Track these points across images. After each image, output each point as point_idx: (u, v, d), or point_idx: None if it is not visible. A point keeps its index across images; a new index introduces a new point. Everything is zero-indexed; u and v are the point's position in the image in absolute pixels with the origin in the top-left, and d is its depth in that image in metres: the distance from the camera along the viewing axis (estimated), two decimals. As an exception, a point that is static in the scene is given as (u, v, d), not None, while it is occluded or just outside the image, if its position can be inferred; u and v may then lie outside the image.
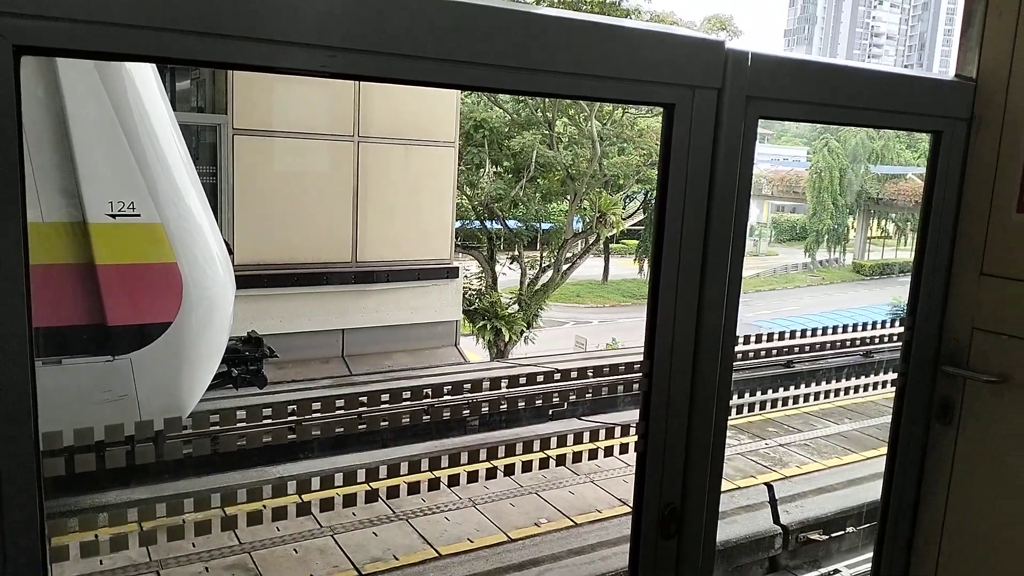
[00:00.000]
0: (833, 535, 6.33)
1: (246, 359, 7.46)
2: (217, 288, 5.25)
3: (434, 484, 1.94)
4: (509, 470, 1.85)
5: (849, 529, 6.38)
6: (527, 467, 1.80)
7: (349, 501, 2.01)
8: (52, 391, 4.62)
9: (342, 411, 4.43)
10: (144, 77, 5.07)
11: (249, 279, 9.66)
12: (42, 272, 4.63)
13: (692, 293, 1.76)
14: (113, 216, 4.80)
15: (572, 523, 5.83)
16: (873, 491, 6.52)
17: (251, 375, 7.61)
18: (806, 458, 7.52)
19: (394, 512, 5.76)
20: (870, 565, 5.33)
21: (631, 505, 5.83)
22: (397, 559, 5.25)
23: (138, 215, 4.86)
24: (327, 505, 1.81)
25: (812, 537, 6.27)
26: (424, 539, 5.51)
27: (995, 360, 2.16)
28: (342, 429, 4.16)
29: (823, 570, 5.88)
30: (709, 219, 1.75)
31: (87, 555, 3.35)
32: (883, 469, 2.43)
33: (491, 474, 1.77)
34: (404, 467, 4.13)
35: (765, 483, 6.72)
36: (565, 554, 5.42)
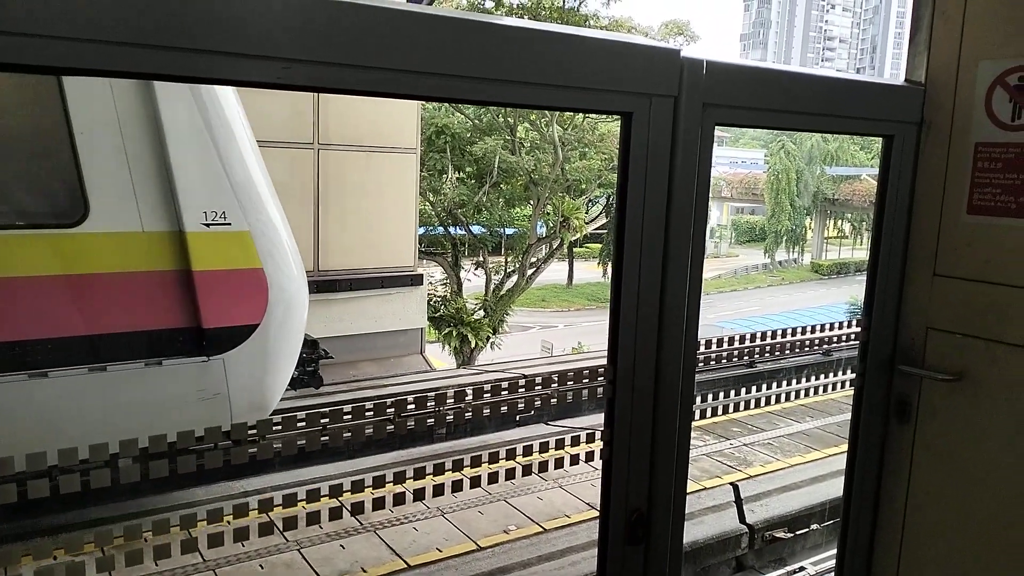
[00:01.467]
0: (798, 533, 6.42)
1: (304, 360, 7.42)
2: (295, 290, 5.56)
3: (399, 498, 1.91)
4: (475, 482, 1.84)
5: (813, 526, 6.47)
6: (493, 479, 1.78)
7: (313, 519, 1.98)
8: (154, 391, 4.91)
9: (303, 424, 4.37)
10: (225, 92, 5.35)
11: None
12: (144, 279, 5.01)
13: (653, 298, 1.77)
14: (207, 225, 5.10)
15: (541, 529, 5.82)
16: (835, 488, 6.65)
17: (308, 376, 7.63)
18: (770, 457, 7.62)
19: (361, 524, 5.70)
20: (832, 563, 5.42)
21: (599, 510, 5.84)
22: (365, 571, 5.19)
23: (228, 223, 5.18)
24: (290, 524, 1.78)
25: (777, 535, 6.35)
26: (392, 550, 5.46)
27: (950, 358, 2.21)
28: (304, 442, 4.09)
29: (788, 568, 5.96)
30: (668, 225, 1.76)
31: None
32: (844, 466, 2.47)
33: (457, 487, 1.76)
34: (369, 480, 4.07)
35: (731, 483, 6.79)
36: (535, 560, 5.41)
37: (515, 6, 17.76)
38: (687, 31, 23.33)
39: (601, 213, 23.65)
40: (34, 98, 4.85)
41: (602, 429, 1.80)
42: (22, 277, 4.68)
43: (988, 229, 2.13)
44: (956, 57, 2.17)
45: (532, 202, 19.85)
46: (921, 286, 2.28)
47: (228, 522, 3.41)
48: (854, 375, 2.44)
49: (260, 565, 5.20)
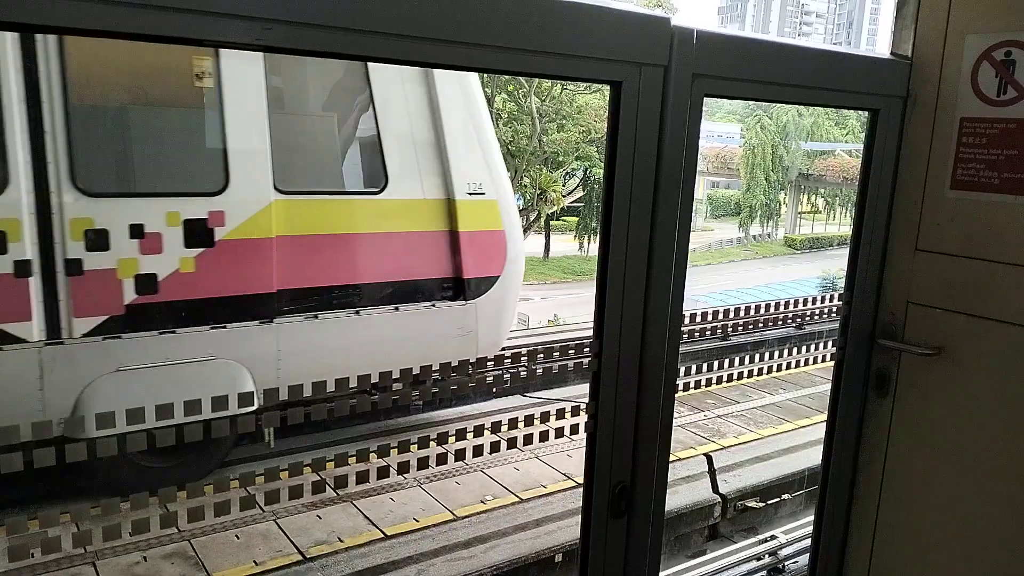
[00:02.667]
0: (769, 502, 6.53)
1: None
2: (519, 248, 6.91)
3: (383, 472, 1.90)
4: (460, 455, 1.83)
5: (784, 496, 6.58)
6: (478, 451, 1.78)
7: (295, 493, 1.96)
8: (428, 327, 6.39)
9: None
10: (473, 77, 6.68)
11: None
12: (425, 237, 6.34)
13: (640, 271, 1.76)
14: (470, 194, 6.40)
15: (518, 499, 5.86)
16: (806, 459, 6.77)
17: None
18: (743, 428, 7.72)
19: (338, 494, 5.69)
20: (805, 531, 5.52)
21: (576, 480, 5.87)
22: (342, 541, 5.19)
23: (483, 193, 6.49)
24: (272, 498, 1.76)
25: (749, 505, 6.46)
26: (369, 520, 5.47)
27: (929, 333, 2.23)
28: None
29: (760, 536, 6.05)
30: (656, 197, 1.74)
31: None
32: (815, 437, 2.50)
33: (442, 459, 1.76)
34: (352, 452, 4.03)
35: (704, 454, 6.87)
36: (511, 530, 5.45)
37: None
38: (666, 3, 23.17)
39: (578, 186, 23.61)
40: (354, 88, 6.27)
41: (586, 402, 1.79)
42: (350, 234, 6.00)
43: (971, 205, 2.14)
44: (943, 31, 2.16)
45: (509, 174, 19.75)
46: (903, 261, 2.29)
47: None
48: (828, 349, 2.45)
49: (236, 536, 5.19)
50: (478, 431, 1.79)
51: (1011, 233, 2.08)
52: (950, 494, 2.26)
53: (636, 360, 1.79)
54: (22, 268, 4.78)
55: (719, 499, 6.34)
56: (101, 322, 5.08)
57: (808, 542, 2.80)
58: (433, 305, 6.28)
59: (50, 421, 4.86)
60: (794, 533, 5.78)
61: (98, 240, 4.95)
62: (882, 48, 2.38)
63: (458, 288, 6.42)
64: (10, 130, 4.74)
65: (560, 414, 1.81)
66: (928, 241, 2.23)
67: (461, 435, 1.89)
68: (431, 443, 1.97)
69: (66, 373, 4.98)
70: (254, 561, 4.95)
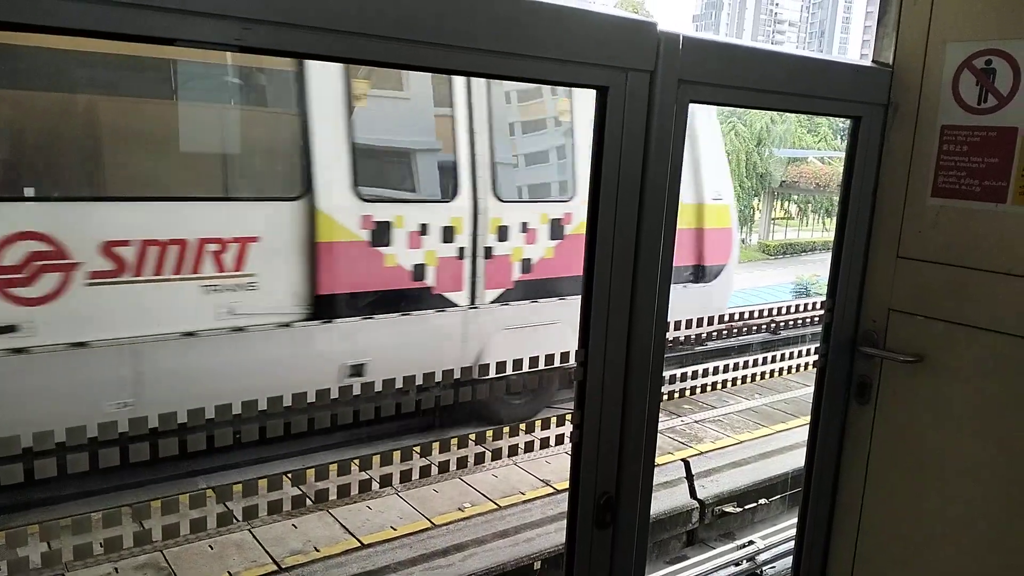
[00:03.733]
0: (746, 507, 6.55)
1: None
2: (738, 242, 8.71)
3: (365, 486, 1.86)
4: (444, 467, 1.79)
5: (762, 501, 6.61)
6: (462, 463, 1.74)
7: (275, 508, 1.91)
8: (686, 302, 7.95)
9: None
10: (714, 110, 9.17)
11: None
12: (689, 232, 8.07)
13: (626, 280, 1.74)
14: (714, 200, 8.27)
15: (496, 506, 5.82)
16: (783, 464, 6.80)
17: None
18: (720, 433, 7.74)
19: (314, 502, 5.61)
20: (782, 536, 5.53)
21: (554, 487, 5.84)
22: (318, 551, 5.12)
23: (721, 199, 8.37)
24: (251, 512, 1.71)
25: (727, 510, 6.47)
26: (346, 529, 5.40)
27: (911, 340, 2.23)
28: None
29: (738, 542, 6.07)
30: (642, 205, 1.72)
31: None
32: (793, 442, 2.50)
33: (425, 472, 1.71)
34: (334, 468, 3.98)
35: (682, 459, 6.88)
36: (490, 537, 5.40)
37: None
38: (641, 9, 23.35)
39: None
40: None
41: (572, 412, 1.76)
42: None
43: (952, 212, 2.15)
44: (924, 40, 2.17)
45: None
46: (884, 268, 2.30)
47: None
48: (801, 356, 2.47)
49: (210, 546, 5.09)
50: (462, 442, 1.76)
51: (991, 241, 2.09)
52: (932, 500, 2.27)
53: (621, 369, 1.76)
54: (460, 253, 6.71)
55: (697, 504, 6.34)
56: (500, 294, 6.99)
57: (786, 547, 2.81)
58: (685, 286, 8.04)
59: (470, 367, 5.56)
60: (772, 538, 5.81)
61: (502, 234, 6.94)
62: (855, 56, 2.38)
63: (701, 274, 8.23)
64: (460, 156, 6.77)
65: (545, 424, 1.78)
66: (909, 248, 2.24)
67: (445, 446, 1.85)
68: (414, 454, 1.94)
69: (478, 330, 6.86)
70: (228, 572, 4.86)
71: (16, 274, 4.83)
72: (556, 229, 7.21)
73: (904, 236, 2.25)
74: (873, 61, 2.29)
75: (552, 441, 1.75)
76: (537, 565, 5.23)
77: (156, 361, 5.42)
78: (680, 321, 2.63)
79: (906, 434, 2.29)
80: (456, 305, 6.77)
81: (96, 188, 5.47)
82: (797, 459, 6.51)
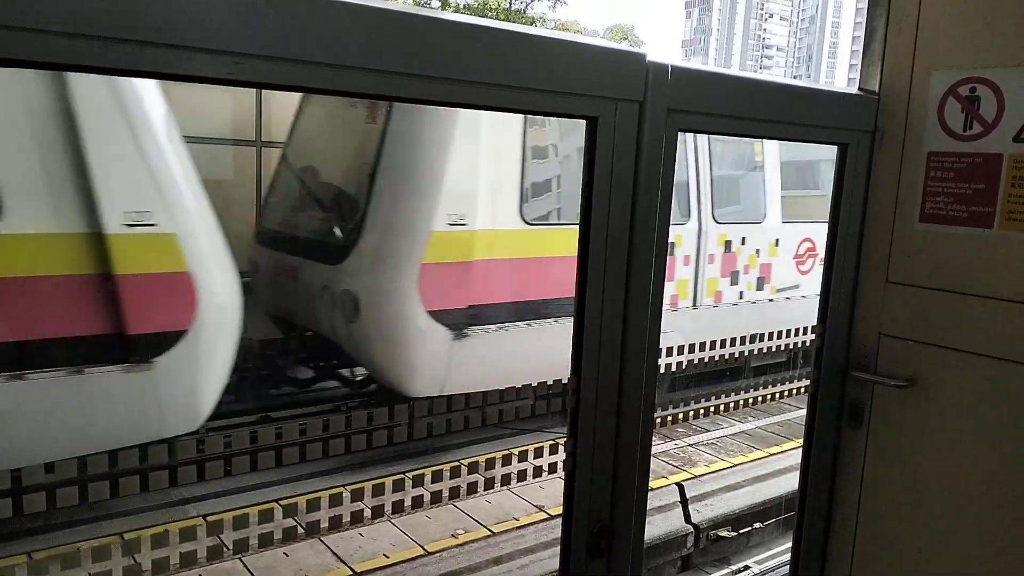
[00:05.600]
0: (741, 531, 6.51)
1: None
2: None
3: (357, 517, 1.84)
4: (436, 498, 1.78)
5: (756, 525, 6.57)
6: (454, 493, 1.73)
7: (265, 540, 1.89)
8: None
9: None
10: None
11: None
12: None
13: (617, 306, 1.74)
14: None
15: (489, 532, 5.77)
16: (778, 487, 6.78)
17: None
18: (714, 457, 7.71)
19: (305, 530, 5.56)
20: (777, 561, 5.50)
21: (548, 512, 5.79)
22: (310, 580, 5.06)
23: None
24: (241, 547, 1.68)
25: (722, 534, 6.43)
26: (337, 557, 5.34)
27: (901, 365, 2.24)
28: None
29: (733, 567, 6.04)
30: (632, 233, 1.73)
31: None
32: (787, 465, 2.50)
33: (417, 503, 1.71)
34: (325, 498, 3.93)
35: (676, 483, 6.85)
36: (484, 564, 5.35)
37: (461, 6, 17.66)
38: (631, 36, 23.59)
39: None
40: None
41: (564, 439, 1.76)
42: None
43: (939, 237, 2.17)
44: (909, 67, 2.20)
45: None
46: (874, 293, 2.31)
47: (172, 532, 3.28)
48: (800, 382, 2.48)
49: (200, 575, 5.02)
50: (455, 472, 1.75)
51: (979, 266, 2.11)
52: (925, 524, 2.26)
53: (615, 396, 1.76)
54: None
55: (692, 529, 6.30)
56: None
57: (782, 571, 2.79)
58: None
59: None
60: (767, 563, 5.77)
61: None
62: (842, 81, 2.41)
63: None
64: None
65: (538, 452, 1.78)
66: (898, 273, 2.26)
67: (437, 476, 1.84)
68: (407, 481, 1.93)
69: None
70: (218, 603, 4.80)
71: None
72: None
73: (893, 261, 2.26)
74: (859, 89, 2.32)
75: (545, 469, 1.75)
76: (531, 592, 5.18)
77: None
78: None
79: (899, 458, 2.29)
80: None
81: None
82: (791, 482, 6.51)
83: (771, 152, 9.42)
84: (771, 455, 7.72)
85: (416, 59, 1.40)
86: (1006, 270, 2.06)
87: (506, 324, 7.22)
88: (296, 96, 8.18)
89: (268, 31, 1.25)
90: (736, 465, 7.50)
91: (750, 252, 9.17)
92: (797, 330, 4.19)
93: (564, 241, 7.32)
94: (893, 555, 2.33)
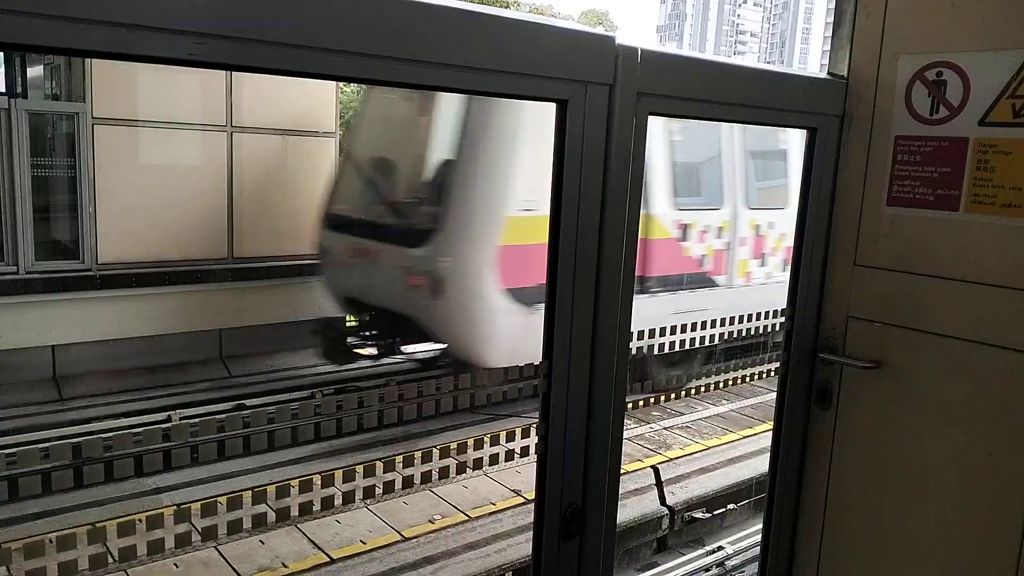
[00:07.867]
0: (715, 513, 6.59)
1: None
2: None
3: (328, 503, 1.82)
4: (408, 482, 1.77)
5: (730, 506, 6.66)
6: (426, 477, 1.72)
7: (235, 527, 1.88)
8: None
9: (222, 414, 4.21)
10: None
11: (115, 279, 9.03)
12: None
13: (588, 291, 1.74)
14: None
15: (466, 517, 5.79)
16: (750, 469, 6.87)
17: None
18: (688, 440, 7.79)
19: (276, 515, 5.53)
20: (750, 541, 5.57)
21: (524, 497, 5.82)
22: (286, 567, 5.05)
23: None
24: (210, 534, 1.68)
25: (696, 516, 6.51)
26: (314, 544, 5.33)
27: (869, 347, 2.27)
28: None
29: (708, 548, 6.11)
30: (603, 217, 1.73)
31: None
32: (760, 447, 2.53)
33: (389, 487, 1.70)
34: (295, 484, 3.92)
35: (651, 466, 6.91)
36: (460, 549, 5.37)
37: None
38: (606, 21, 23.55)
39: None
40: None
41: (536, 423, 1.76)
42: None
43: (907, 220, 2.19)
44: (877, 52, 2.22)
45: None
46: (842, 276, 2.34)
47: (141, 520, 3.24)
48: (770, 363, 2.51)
49: (175, 564, 4.99)
50: (426, 457, 1.74)
51: (945, 248, 2.14)
52: (893, 502, 2.30)
53: (586, 380, 1.77)
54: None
55: (667, 511, 6.37)
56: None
57: (754, 551, 2.84)
58: None
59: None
60: (740, 543, 5.85)
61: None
62: (814, 67, 2.43)
63: None
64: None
65: (510, 436, 1.78)
66: (866, 256, 2.28)
67: (408, 461, 1.84)
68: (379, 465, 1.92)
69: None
70: (194, 591, 4.77)
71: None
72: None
73: (861, 244, 2.29)
74: (828, 73, 2.34)
75: (517, 453, 1.75)
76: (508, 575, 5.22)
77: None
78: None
79: (867, 438, 2.33)
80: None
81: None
82: (764, 464, 6.59)
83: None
84: (744, 437, 7.82)
85: (383, 40, 1.38)
86: (971, 252, 2.09)
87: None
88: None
89: (233, 10, 1.23)
90: (710, 447, 7.59)
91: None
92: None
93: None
94: (863, 531, 2.37)
